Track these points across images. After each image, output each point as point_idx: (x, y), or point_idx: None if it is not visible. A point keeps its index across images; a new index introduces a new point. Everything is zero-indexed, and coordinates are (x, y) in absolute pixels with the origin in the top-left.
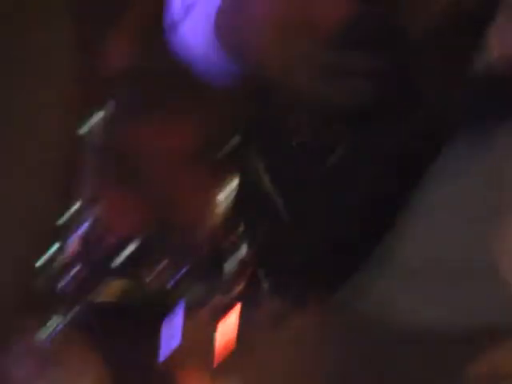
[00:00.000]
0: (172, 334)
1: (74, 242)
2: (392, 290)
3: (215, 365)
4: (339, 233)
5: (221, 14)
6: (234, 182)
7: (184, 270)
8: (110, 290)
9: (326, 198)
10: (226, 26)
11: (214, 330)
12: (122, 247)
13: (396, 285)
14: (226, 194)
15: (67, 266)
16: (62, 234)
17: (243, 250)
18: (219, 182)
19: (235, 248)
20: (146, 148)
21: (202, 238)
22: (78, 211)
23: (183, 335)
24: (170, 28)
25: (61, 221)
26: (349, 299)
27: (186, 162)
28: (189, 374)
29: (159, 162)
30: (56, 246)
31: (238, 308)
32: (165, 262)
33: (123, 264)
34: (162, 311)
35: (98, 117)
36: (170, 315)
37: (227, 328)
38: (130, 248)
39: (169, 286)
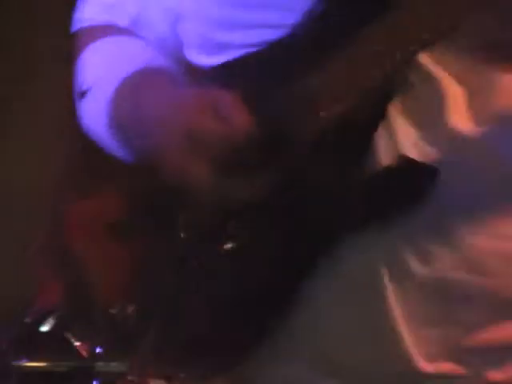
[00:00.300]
0: None
1: None
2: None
3: None
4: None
5: (119, 108)
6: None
7: (102, 346)
8: (36, 356)
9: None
10: (124, 123)
11: None
12: (45, 317)
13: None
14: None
15: None
16: None
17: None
18: (140, 255)
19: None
20: (69, 217)
21: (122, 312)
22: None
23: None
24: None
25: None
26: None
27: (108, 233)
28: None
29: (80, 232)
30: None
31: None
32: (84, 334)
33: (46, 333)
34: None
35: None
36: None
37: None
38: (52, 319)
39: (87, 360)
